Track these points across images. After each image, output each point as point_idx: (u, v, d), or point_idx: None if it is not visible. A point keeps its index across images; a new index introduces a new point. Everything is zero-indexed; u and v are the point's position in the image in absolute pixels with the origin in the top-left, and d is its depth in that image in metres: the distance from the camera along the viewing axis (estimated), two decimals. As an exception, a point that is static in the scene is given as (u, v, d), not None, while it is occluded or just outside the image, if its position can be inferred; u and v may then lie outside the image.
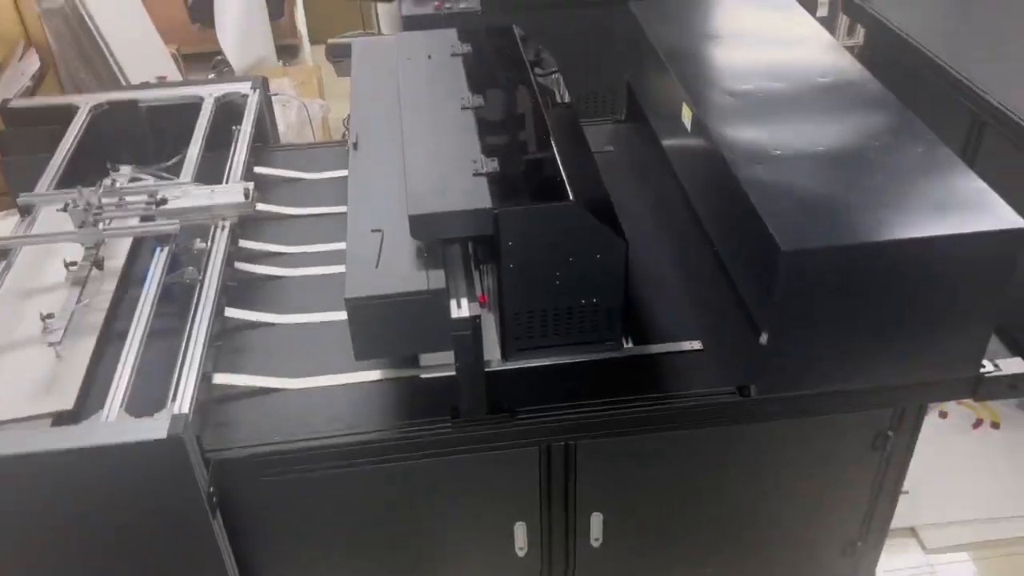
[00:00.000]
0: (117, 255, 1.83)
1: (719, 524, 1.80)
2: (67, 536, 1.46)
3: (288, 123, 3.38)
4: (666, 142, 2.07)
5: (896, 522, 1.89)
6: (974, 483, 2.48)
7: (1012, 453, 2.56)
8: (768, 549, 1.87)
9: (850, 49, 2.06)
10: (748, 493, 1.75)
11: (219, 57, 4.30)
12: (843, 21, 3.56)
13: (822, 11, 3.55)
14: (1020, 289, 1.48)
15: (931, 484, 2.39)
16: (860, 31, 3.44)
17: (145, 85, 2.65)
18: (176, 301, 1.71)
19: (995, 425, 2.63)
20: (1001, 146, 2.32)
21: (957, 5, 3.11)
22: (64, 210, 1.75)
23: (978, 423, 2.63)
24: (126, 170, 2.03)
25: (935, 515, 2.38)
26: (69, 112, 2.18)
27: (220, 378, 1.58)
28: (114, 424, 1.39)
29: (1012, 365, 1.58)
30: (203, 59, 4.55)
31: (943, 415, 2.64)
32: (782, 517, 1.81)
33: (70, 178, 1.97)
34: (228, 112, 2.25)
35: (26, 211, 1.94)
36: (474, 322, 1.41)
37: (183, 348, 1.54)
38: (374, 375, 1.60)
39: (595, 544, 1.73)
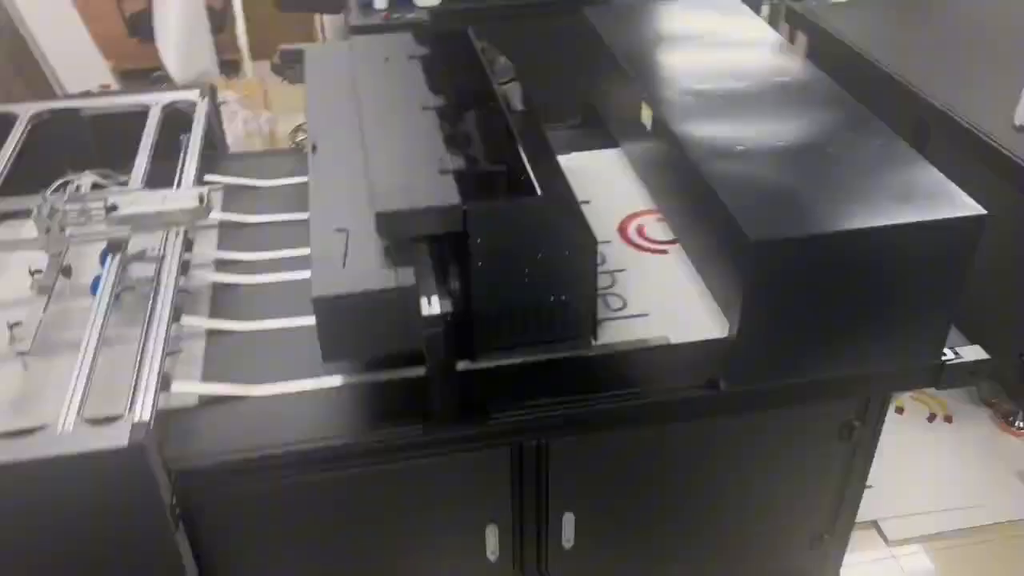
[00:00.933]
0: (83, 262, 1.76)
1: (688, 520, 1.79)
2: (20, 552, 1.38)
3: (235, 135, 3.32)
4: (626, 145, 2.08)
5: (858, 515, 1.90)
6: (931, 475, 2.54)
7: (965, 445, 2.63)
8: (738, 543, 1.87)
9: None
10: (719, 487, 1.75)
11: (158, 73, 4.21)
12: (784, 29, 3.64)
13: (763, 21, 3.62)
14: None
15: (891, 477, 2.43)
16: (800, 39, 3.52)
17: (87, 94, 2.57)
18: (130, 310, 1.64)
19: (948, 419, 2.69)
20: (945, 148, 2.39)
21: (896, 14, 3.21)
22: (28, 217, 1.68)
23: (932, 417, 2.70)
24: (87, 178, 1.96)
25: (896, 507, 2.42)
26: (7, 121, 2.10)
27: (178, 386, 1.52)
28: (70, 434, 1.32)
29: (970, 352, 1.61)
30: (140, 76, 4.45)
31: (900, 411, 2.69)
32: (752, 511, 1.81)
33: (10, 188, 1.88)
34: (176, 121, 2.17)
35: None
36: (445, 320, 1.38)
37: (139, 355, 1.48)
38: (339, 380, 1.56)
39: (567, 546, 1.71)
